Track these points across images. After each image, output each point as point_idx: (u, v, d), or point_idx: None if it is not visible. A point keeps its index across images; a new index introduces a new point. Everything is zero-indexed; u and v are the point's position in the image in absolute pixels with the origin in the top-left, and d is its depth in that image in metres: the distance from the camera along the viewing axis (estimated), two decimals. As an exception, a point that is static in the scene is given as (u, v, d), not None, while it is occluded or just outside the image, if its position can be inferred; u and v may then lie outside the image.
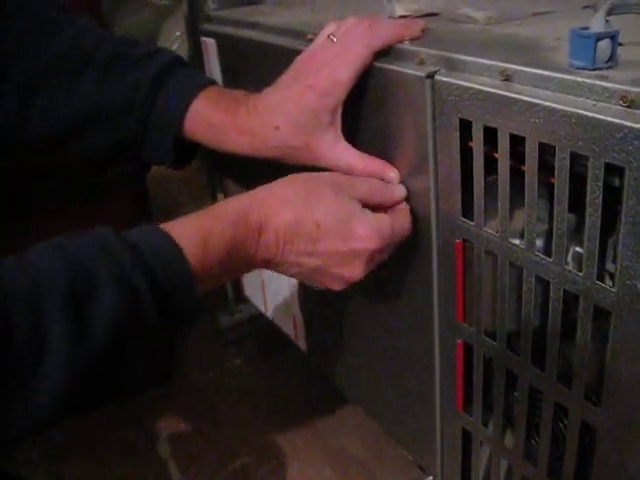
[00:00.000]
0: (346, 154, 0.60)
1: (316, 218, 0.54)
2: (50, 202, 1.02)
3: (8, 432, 0.40)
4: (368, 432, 1.06)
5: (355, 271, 0.56)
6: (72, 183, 1.02)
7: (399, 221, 0.58)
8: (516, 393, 0.57)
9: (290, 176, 0.57)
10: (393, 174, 0.59)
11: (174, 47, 1.58)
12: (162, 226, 0.49)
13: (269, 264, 0.56)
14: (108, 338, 0.42)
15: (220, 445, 1.10)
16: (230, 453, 1.08)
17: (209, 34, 0.89)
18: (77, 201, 1.04)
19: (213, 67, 0.90)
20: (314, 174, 0.58)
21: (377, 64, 0.58)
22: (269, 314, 1.03)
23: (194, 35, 0.95)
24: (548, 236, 0.51)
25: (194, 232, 0.49)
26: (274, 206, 0.54)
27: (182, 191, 1.78)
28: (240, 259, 0.53)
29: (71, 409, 0.42)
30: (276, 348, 1.26)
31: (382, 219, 0.56)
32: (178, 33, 1.62)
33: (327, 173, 0.58)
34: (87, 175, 1.01)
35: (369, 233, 0.55)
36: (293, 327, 0.94)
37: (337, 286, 0.58)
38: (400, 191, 0.59)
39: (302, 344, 0.93)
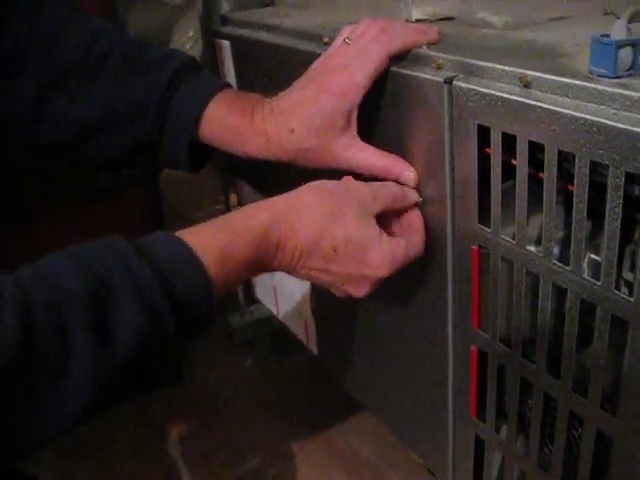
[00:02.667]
0: (363, 154, 0.60)
1: (335, 242, 0.54)
2: (57, 203, 1.01)
3: (36, 439, 0.41)
4: (378, 435, 1.06)
5: (360, 292, 0.57)
6: (80, 185, 1.02)
7: (414, 243, 0.59)
8: (530, 401, 0.56)
9: (315, 185, 0.56)
10: (410, 173, 0.59)
11: (187, 47, 1.57)
12: (181, 237, 0.48)
13: (281, 271, 0.56)
14: (131, 349, 0.42)
15: (230, 446, 1.10)
16: (240, 454, 1.08)
17: (223, 36, 0.89)
18: (84, 204, 1.03)
19: (227, 69, 0.90)
20: (339, 185, 0.57)
21: (394, 69, 0.58)
22: (281, 317, 1.03)
23: (208, 36, 0.95)
24: (563, 243, 0.51)
25: (214, 249, 0.48)
26: (296, 223, 0.53)
27: (196, 193, 1.78)
28: (255, 272, 0.54)
29: (93, 414, 0.43)
30: (287, 350, 1.25)
31: (397, 247, 0.57)
32: (191, 33, 1.61)
33: (351, 183, 0.58)
34: (96, 177, 1.01)
35: (382, 263, 0.56)
36: (304, 331, 0.94)
37: (339, 295, 0.59)
38: (414, 195, 0.60)
39: (314, 348, 0.93)
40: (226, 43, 0.88)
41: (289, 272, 0.56)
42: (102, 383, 0.41)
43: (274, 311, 1.04)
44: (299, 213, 0.54)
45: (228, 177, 1.08)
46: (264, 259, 0.53)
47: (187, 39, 1.62)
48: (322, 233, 0.54)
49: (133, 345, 0.42)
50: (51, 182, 1.01)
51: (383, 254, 0.55)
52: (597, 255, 0.49)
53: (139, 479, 1.06)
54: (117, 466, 1.08)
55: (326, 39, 0.68)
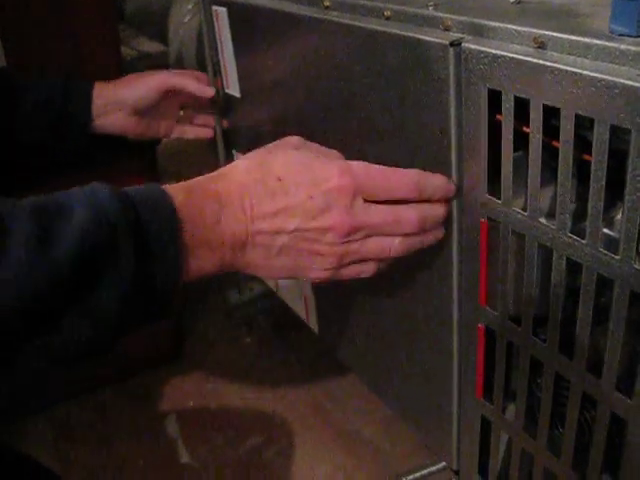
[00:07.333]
0: None
1: (276, 173, 0.51)
2: (48, 184, 1.00)
3: None
4: (381, 415, 1.04)
5: (337, 217, 0.50)
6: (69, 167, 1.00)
7: (386, 170, 0.53)
8: (539, 381, 0.54)
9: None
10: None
11: (186, 20, 1.54)
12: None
13: (244, 246, 0.51)
14: (75, 252, 0.41)
15: (230, 425, 1.09)
16: (240, 433, 1.07)
17: (220, 2, 0.86)
18: (83, 173, 1.02)
19: (224, 37, 0.87)
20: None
21: (397, 31, 0.54)
22: (280, 293, 1.00)
23: (206, 4, 0.92)
24: (575, 217, 0.48)
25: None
26: (232, 176, 0.51)
27: (193, 165, 1.75)
28: (201, 232, 0.48)
29: (27, 337, 0.41)
30: (287, 327, 1.24)
31: (351, 161, 0.52)
32: (190, 6, 1.59)
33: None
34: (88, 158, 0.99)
35: (335, 171, 0.50)
36: (304, 308, 0.92)
37: (330, 252, 0.51)
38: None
39: (314, 325, 0.91)
40: (222, 10, 0.85)
41: (252, 239, 0.50)
42: (41, 286, 0.40)
43: (273, 287, 1.02)
44: (233, 169, 0.52)
45: (224, 150, 1.05)
46: (205, 211, 0.49)
47: (186, 12, 1.59)
48: (260, 172, 0.51)
49: (78, 249, 0.41)
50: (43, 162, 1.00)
51: (333, 163, 0.51)
52: (611, 230, 0.47)
53: (138, 459, 1.05)
54: (116, 447, 1.07)
55: (327, 3, 0.64)
